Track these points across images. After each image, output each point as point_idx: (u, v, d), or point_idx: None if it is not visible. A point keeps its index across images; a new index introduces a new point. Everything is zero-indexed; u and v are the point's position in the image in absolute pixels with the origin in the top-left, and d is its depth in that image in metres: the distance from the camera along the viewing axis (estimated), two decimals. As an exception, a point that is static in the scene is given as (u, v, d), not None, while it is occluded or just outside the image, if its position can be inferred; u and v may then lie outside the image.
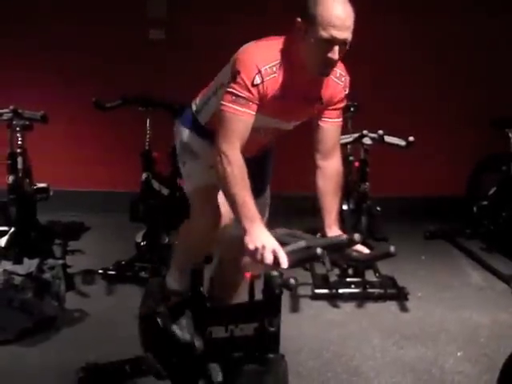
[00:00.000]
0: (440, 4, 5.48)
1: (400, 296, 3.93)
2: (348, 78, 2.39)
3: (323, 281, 4.09)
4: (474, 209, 5.17)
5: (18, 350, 3.23)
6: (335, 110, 2.39)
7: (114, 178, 5.76)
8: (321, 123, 2.40)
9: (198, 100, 2.60)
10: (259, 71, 2.14)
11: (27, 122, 4.13)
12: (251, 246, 1.99)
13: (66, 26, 5.61)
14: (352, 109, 4.78)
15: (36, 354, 3.20)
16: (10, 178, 4.10)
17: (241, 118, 2.17)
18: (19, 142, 4.12)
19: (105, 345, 3.24)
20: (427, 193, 5.62)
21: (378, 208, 4.14)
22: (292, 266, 1.87)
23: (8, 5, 5.64)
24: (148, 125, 4.37)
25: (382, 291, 3.96)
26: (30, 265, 3.51)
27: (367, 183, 4.06)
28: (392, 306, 3.87)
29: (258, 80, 2.14)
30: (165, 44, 5.63)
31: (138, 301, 3.06)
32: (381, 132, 3.93)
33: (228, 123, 2.18)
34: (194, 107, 2.63)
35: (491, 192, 5.10)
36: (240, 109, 2.16)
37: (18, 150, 4.13)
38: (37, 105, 4.40)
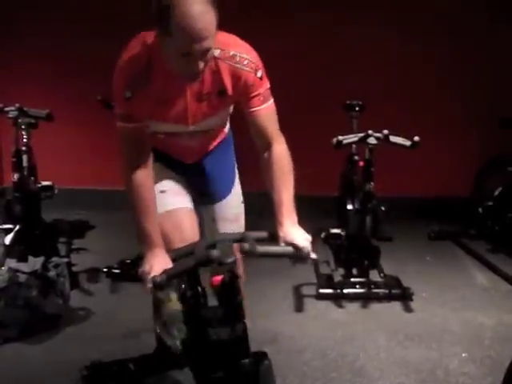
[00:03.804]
0: (448, 3, 5.46)
1: (404, 296, 3.93)
2: (255, 59, 2.10)
3: (328, 281, 4.10)
4: (479, 209, 5.16)
5: (22, 347, 3.24)
6: (256, 96, 2.12)
7: (119, 175, 5.72)
8: (249, 116, 2.16)
9: None
10: (127, 84, 2.02)
11: (32, 120, 4.14)
12: (139, 270, 2.01)
13: (71, 25, 5.63)
14: (357, 108, 4.79)
15: (40, 351, 3.21)
16: (15, 176, 4.10)
17: (131, 133, 2.08)
18: (24, 140, 4.12)
19: (109, 343, 3.25)
20: (432, 193, 5.60)
21: (383, 208, 4.13)
22: (159, 288, 1.88)
23: (15, 4, 5.66)
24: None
25: (386, 291, 3.95)
26: (34, 263, 3.53)
27: (372, 183, 4.04)
28: (396, 306, 3.87)
29: (128, 94, 2.01)
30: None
31: (142, 299, 3.05)
32: (386, 132, 3.92)
33: (122, 140, 2.12)
34: None
35: (496, 193, 5.08)
36: (127, 125, 2.08)
37: (23, 148, 4.13)
38: (42, 103, 4.40)
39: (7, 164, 4.17)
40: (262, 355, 2.01)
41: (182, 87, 2.08)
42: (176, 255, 2.01)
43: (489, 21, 5.39)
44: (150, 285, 1.88)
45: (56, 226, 4.66)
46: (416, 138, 3.87)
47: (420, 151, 4.00)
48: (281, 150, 2.18)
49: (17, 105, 4.10)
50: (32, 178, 4.22)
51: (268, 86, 2.16)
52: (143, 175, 2.12)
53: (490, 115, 5.23)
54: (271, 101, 2.18)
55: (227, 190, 2.56)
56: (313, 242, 2.00)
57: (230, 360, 1.92)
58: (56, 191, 4.30)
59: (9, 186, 4.19)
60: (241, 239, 1.92)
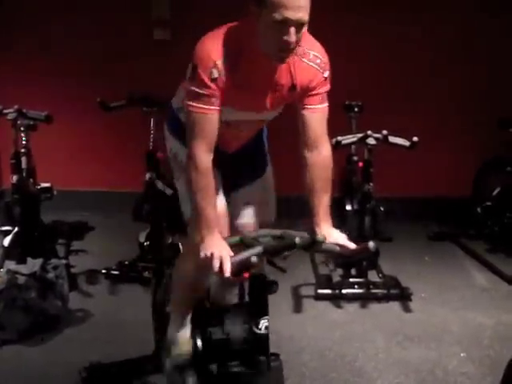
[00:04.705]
0: (448, 4, 5.46)
1: (403, 296, 3.93)
2: (326, 60, 2.17)
3: (326, 281, 4.10)
4: (478, 210, 5.16)
5: (21, 349, 3.24)
6: (316, 95, 2.18)
7: (118, 177, 5.76)
8: (303, 111, 2.20)
9: (177, 95, 2.40)
10: (215, 64, 2.01)
11: (31, 122, 4.14)
12: (203, 254, 1.97)
13: (70, 26, 5.63)
14: (356, 109, 4.79)
15: (39, 353, 3.21)
16: (14, 178, 4.10)
17: (206, 116, 2.05)
18: (23, 142, 4.13)
19: (108, 345, 3.25)
20: (431, 193, 5.60)
21: (382, 208, 4.13)
22: (236, 273, 1.88)
23: (14, 6, 5.67)
24: (152, 125, 4.37)
25: (385, 292, 3.95)
26: (33, 264, 3.52)
27: (371, 183, 4.04)
28: (395, 306, 3.87)
29: (215, 74, 2.01)
30: (169, 44, 5.63)
31: (141, 301, 3.06)
32: (385, 132, 3.92)
33: (194, 122, 2.07)
34: (174, 104, 2.46)
35: (495, 193, 5.09)
36: (203, 106, 2.04)
37: (22, 150, 4.13)
38: (41, 105, 4.41)
39: (6, 166, 4.16)
40: (275, 356, 2.03)
41: (265, 75, 2.11)
42: (229, 242, 2.00)
43: (488, 22, 5.39)
44: (229, 267, 1.85)
45: (55, 227, 4.67)
46: (415, 139, 3.87)
47: (419, 152, 4.01)
48: (327, 155, 2.24)
49: (16, 107, 4.10)
50: (31, 179, 4.23)
51: (329, 88, 2.21)
52: (209, 161, 2.10)
53: (488, 116, 5.23)
54: (327, 104, 2.23)
55: (259, 173, 2.54)
56: None
57: (249, 355, 1.93)
58: (55, 193, 4.30)
59: (8, 188, 4.19)
60: (280, 236, 1.94)
